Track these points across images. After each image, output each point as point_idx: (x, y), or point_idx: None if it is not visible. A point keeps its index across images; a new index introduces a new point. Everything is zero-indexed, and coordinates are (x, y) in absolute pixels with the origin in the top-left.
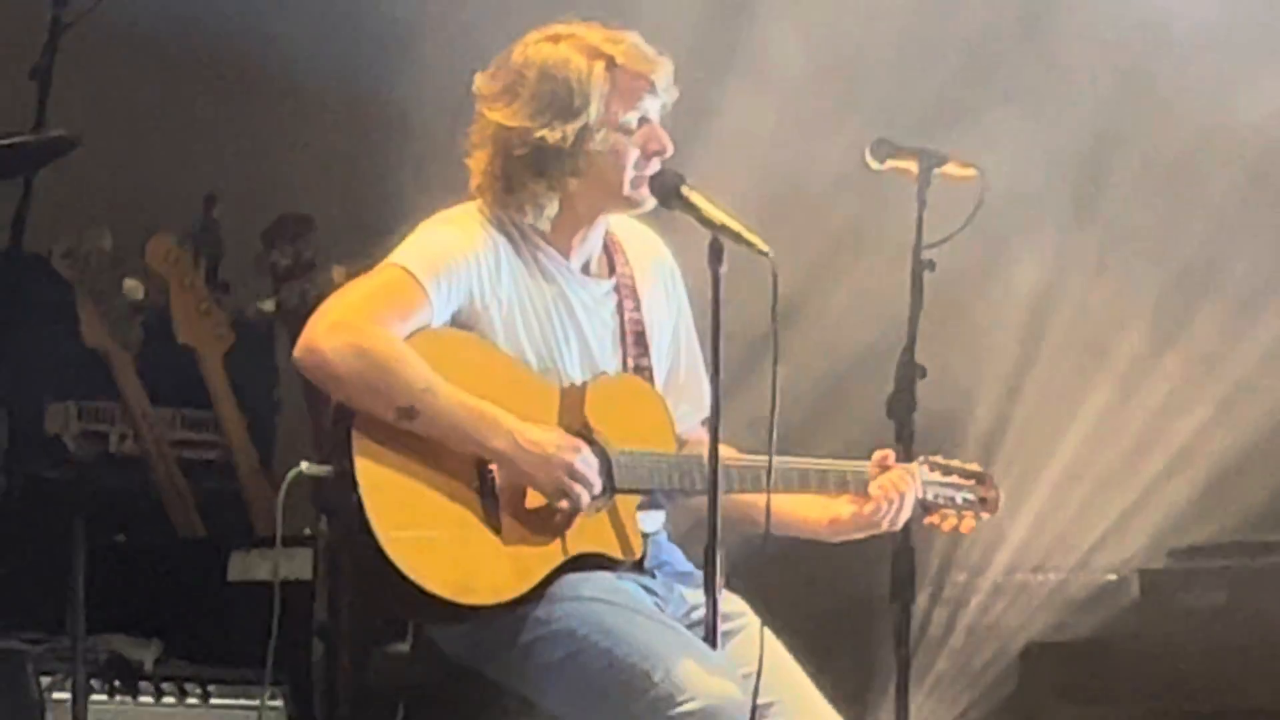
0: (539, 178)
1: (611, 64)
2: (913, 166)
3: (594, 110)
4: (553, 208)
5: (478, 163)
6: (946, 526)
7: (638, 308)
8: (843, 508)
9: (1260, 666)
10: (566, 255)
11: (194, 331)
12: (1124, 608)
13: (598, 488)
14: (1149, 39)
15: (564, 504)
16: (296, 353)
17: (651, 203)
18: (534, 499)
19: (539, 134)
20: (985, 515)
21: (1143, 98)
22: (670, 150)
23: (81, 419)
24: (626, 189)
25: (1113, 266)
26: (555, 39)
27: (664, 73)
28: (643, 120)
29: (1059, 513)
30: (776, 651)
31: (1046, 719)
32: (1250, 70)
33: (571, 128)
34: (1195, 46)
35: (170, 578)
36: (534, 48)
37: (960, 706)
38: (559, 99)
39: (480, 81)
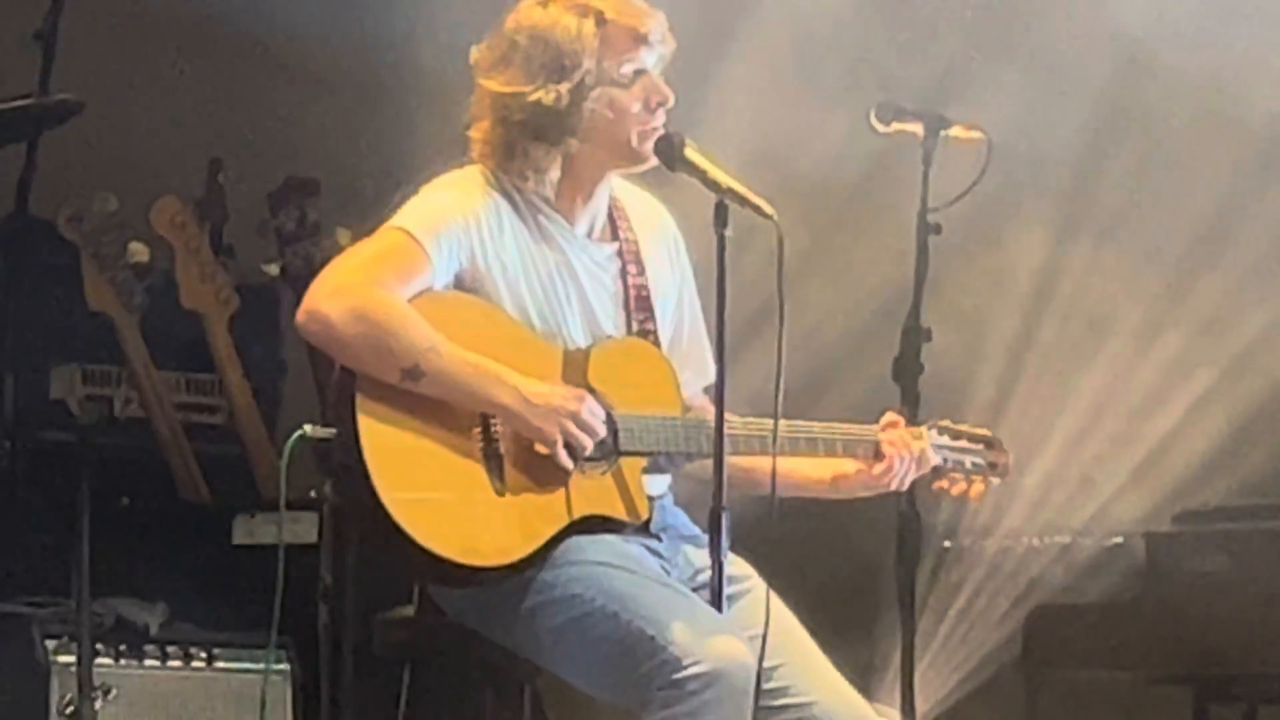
0: (538, 141)
1: (601, 19)
2: (918, 129)
3: (586, 67)
4: (555, 171)
5: (479, 132)
6: (956, 491)
7: (642, 272)
8: (847, 465)
9: (1266, 630)
10: (570, 220)
11: (199, 295)
12: (1130, 571)
13: (602, 433)
14: (1154, 9)
15: (568, 458)
16: (299, 318)
17: (655, 159)
18: (539, 458)
19: (533, 97)
20: (995, 480)
21: (1148, 65)
22: (671, 100)
23: (86, 383)
24: (633, 142)
25: (1120, 231)
26: (545, 3)
27: (656, 24)
28: (639, 73)
29: (1065, 476)
30: (782, 614)
31: (1052, 683)
32: (1257, 41)
33: (565, 87)
34: (1201, 18)
35: (175, 541)
36: (525, 13)
37: (965, 670)
38: (551, 60)
39: (476, 52)
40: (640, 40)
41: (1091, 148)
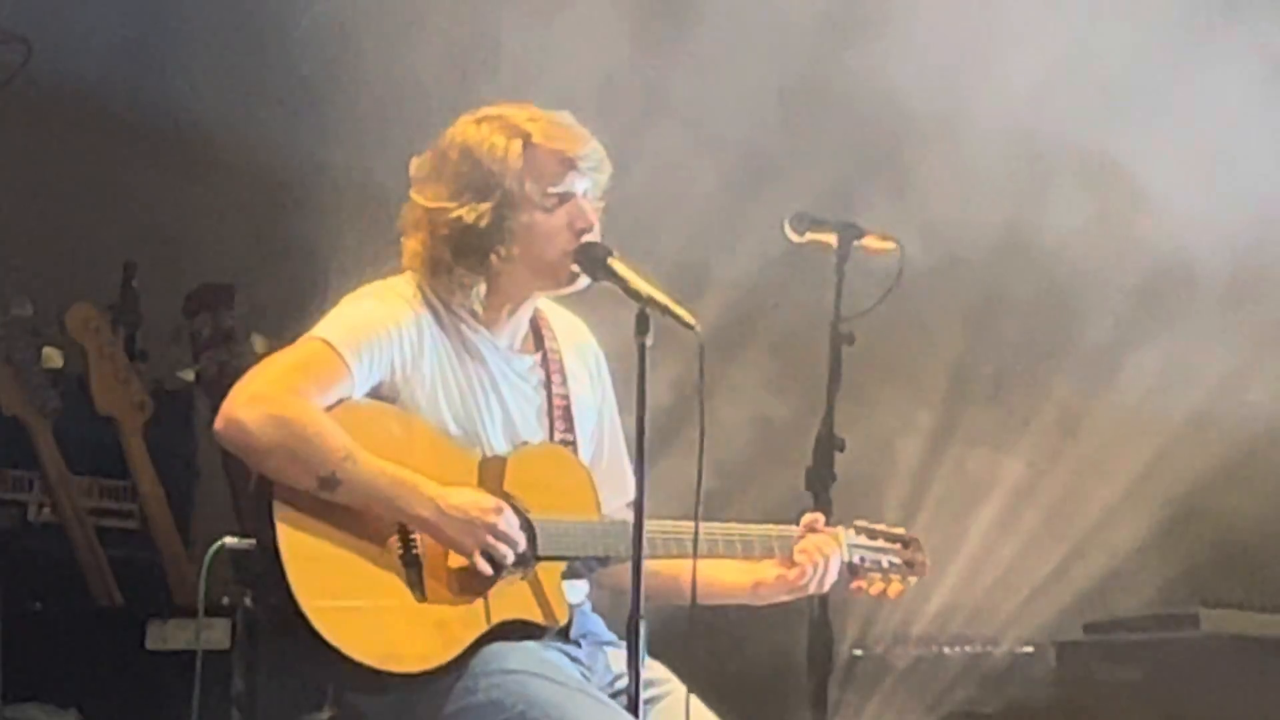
0: (462, 257)
1: (529, 142)
2: (832, 239)
3: (509, 188)
4: (480, 288)
5: (409, 243)
6: (874, 591)
7: (564, 383)
8: (767, 571)
9: None
10: (494, 332)
11: (113, 400)
12: (1040, 680)
13: (522, 545)
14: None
15: (487, 566)
16: (216, 425)
17: (584, 281)
18: (457, 564)
19: (456, 214)
20: (912, 579)
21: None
22: (595, 226)
23: None
24: (552, 266)
25: (1028, 343)
26: (480, 120)
27: (586, 150)
28: (565, 197)
29: (976, 585)
30: (703, 716)
31: None
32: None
33: (487, 206)
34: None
35: (88, 647)
36: (460, 128)
37: None
38: (476, 178)
39: (414, 165)
40: (569, 165)
41: (1002, 257)
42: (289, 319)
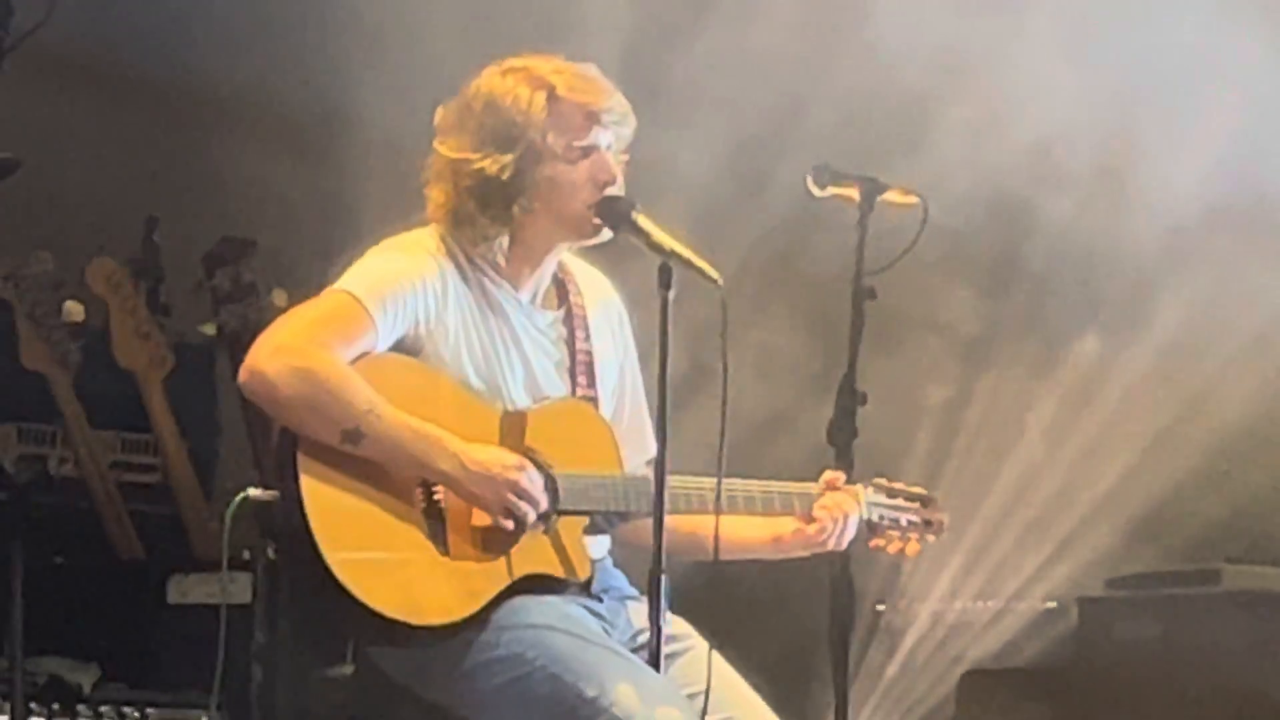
0: (484, 209)
1: (553, 94)
2: (854, 193)
3: (533, 140)
4: (503, 239)
5: (433, 194)
6: (892, 549)
7: (587, 339)
8: (785, 525)
9: (1195, 694)
10: (517, 286)
11: (134, 355)
12: (1062, 636)
13: (544, 505)
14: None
15: (510, 523)
16: (240, 377)
17: (606, 234)
18: (480, 519)
19: (478, 165)
20: (930, 538)
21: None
22: (617, 179)
23: (21, 441)
24: (575, 218)
25: (1051, 297)
26: (506, 72)
27: (612, 103)
28: (589, 150)
29: (999, 541)
30: (726, 671)
31: None
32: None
33: (510, 158)
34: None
35: (109, 600)
36: (485, 79)
37: None
38: (500, 130)
39: (439, 115)
40: (592, 118)
41: (1017, 215)
42: (311, 273)
